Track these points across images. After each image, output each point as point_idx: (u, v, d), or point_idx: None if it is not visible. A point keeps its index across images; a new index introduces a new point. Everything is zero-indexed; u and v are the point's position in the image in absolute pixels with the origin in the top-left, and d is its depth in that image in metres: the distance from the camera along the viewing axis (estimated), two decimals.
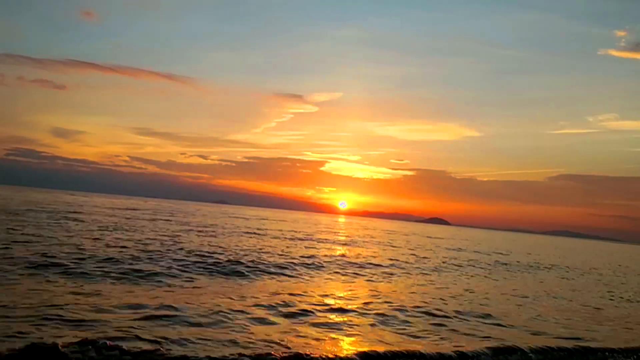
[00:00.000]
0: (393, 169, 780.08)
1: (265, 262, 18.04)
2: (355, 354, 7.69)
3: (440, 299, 13.77)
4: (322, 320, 9.93)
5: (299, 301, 11.56)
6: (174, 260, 16.21)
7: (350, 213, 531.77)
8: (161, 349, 6.94)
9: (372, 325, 9.95)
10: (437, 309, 11.98)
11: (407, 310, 11.49)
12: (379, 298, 13.03)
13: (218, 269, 15.40)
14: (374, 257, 24.99)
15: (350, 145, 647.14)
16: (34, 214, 31.50)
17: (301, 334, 8.65)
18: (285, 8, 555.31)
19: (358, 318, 10.48)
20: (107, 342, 6.79)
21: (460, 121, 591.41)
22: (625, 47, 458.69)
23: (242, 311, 9.85)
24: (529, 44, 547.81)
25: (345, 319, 10.31)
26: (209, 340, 7.68)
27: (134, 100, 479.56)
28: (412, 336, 9.34)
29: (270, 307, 10.55)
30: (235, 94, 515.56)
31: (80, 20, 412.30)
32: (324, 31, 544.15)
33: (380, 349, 8.01)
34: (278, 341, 7.98)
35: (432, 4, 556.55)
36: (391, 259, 24.29)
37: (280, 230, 43.04)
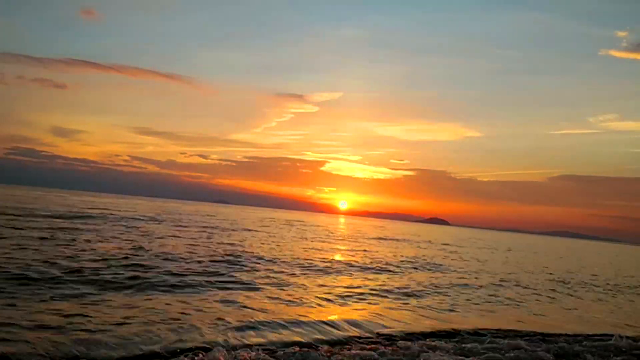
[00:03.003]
0: (393, 169, 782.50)
1: None
2: None
3: None
4: None
5: None
6: None
7: (350, 213, 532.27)
8: None
9: None
10: None
11: None
12: None
13: None
14: None
15: (350, 145, 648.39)
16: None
17: None
18: (285, 8, 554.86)
19: None
20: None
21: (460, 121, 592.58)
22: (626, 47, 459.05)
23: None
24: (529, 44, 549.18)
25: None
26: None
27: (134, 100, 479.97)
28: None
29: None
30: (236, 94, 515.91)
31: (81, 19, 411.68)
32: (324, 31, 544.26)
33: None
34: None
35: (432, 4, 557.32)
36: None
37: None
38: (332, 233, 50.75)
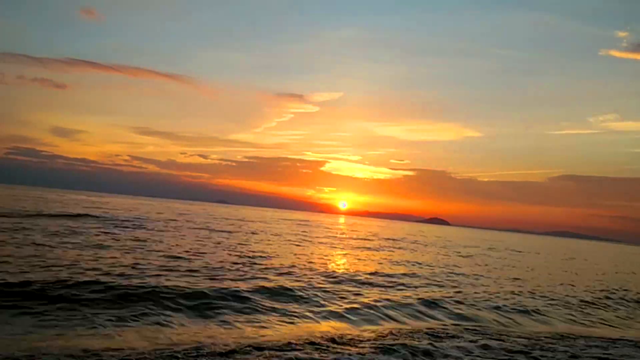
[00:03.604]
0: (393, 169, 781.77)
1: None
2: None
3: None
4: None
5: None
6: None
7: (350, 213, 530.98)
8: None
9: None
10: None
11: None
12: None
13: None
14: None
15: (350, 145, 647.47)
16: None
17: None
18: (285, 8, 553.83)
19: None
20: None
21: (460, 121, 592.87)
22: (626, 47, 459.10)
23: None
24: (529, 44, 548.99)
25: None
26: None
27: (135, 100, 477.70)
28: None
29: None
30: (236, 94, 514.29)
31: (81, 19, 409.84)
32: (325, 31, 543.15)
33: None
34: None
35: (433, 4, 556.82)
36: None
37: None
38: (356, 236, 49.73)
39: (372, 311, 11.47)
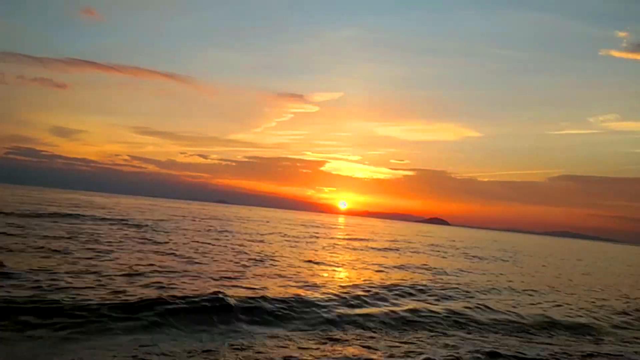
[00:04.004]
0: (393, 169, 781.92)
1: None
2: None
3: None
4: None
5: None
6: None
7: (350, 213, 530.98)
8: None
9: None
10: None
11: None
12: None
13: None
14: None
15: (350, 145, 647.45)
16: None
17: None
18: (285, 8, 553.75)
19: None
20: None
21: (460, 121, 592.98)
22: (626, 47, 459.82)
23: None
24: (529, 44, 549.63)
25: None
26: None
27: (135, 99, 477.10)
28: None
29: None
30: (236, 94, 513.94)
31: (81, 18, 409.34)
32: (324, 31, 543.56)
33: None
34: None
35: (432, 4, 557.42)
36: None
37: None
38: (379, 238, 49.05)
39: (396, 320, 10.85)
